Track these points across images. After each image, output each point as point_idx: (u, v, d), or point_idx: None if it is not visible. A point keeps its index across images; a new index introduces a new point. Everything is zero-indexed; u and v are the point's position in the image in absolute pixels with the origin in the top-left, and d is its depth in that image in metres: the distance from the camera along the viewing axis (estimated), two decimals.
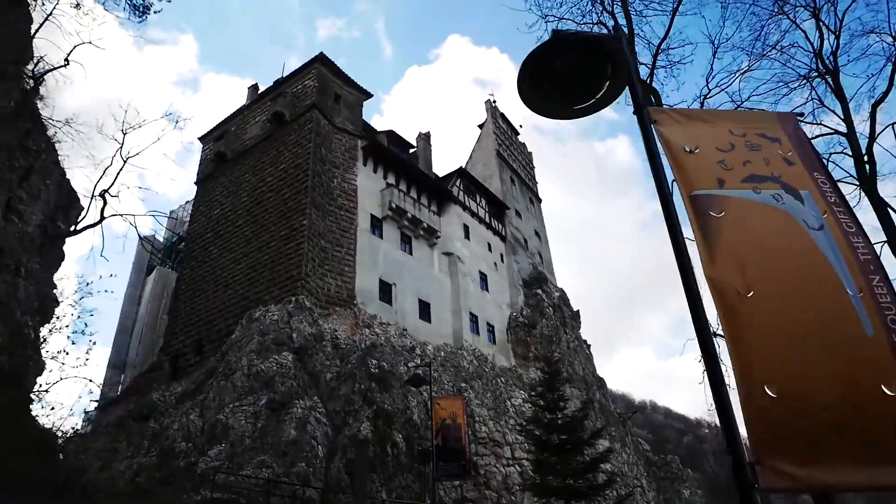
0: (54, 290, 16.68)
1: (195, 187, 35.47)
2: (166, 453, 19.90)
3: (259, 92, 36.13)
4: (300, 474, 17.47)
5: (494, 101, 49.65)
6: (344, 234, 28.40)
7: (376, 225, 30.37)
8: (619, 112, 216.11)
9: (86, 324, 29.63)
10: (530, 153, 53.14)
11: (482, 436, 25.41)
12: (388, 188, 31.70)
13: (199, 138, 37.30)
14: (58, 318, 28.84)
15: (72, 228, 14.10)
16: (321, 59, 32.90)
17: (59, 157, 13.95)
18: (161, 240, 36.37)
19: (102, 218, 14.87)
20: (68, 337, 30.20)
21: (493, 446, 26.33)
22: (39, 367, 11.86)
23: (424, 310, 30.20)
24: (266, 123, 32.74)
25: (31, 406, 10.62)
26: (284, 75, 34.15)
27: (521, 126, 51.81)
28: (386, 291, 28.79)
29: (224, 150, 34.15)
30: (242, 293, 27.01)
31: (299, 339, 22.59)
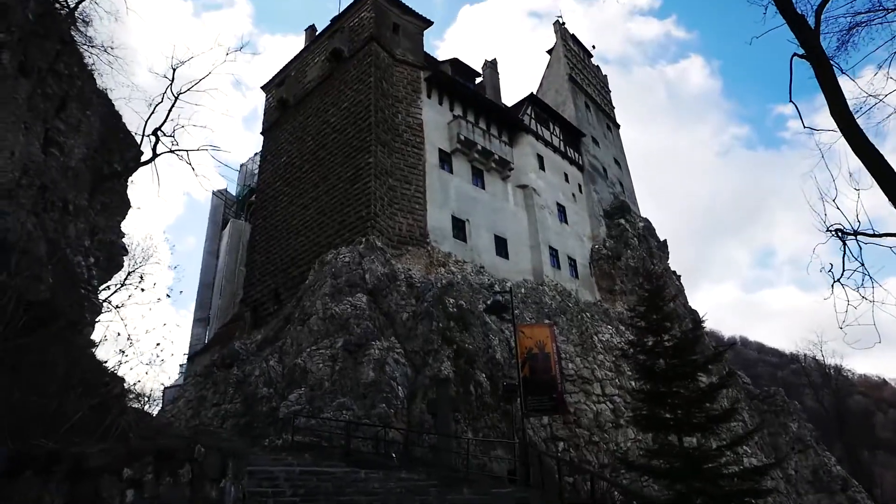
0: (122, 239, 16.20)
1: (262, 138, 34.99)
2: (249, 399, 19.78)
3: (317, 33, 34.76)
4: (381, 416, 16.76)
5: (563, 23, 46.19)
6: (412, 170, 27.06)
7: (445, 159, 28.82)
8: (690, 28, 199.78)
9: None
10: (605, 76, 49.52)
11: (570, 373, 24.03)
12: (455, 120, 29.93)
13: (262, 87, 36.62)
14: (130, 272, 29.45)
15: (124, 168, 13.34)
16: None
17: (104, 88, 13.10)
18: (233, 193, 36.46)
19: (155, 155, 14.04)
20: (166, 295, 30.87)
21: (582, 383, 24.95)
22: (96, 310, 11.20)
23: (501, 246, 28.70)
24: (325, 63, 31.46)
25: (92, 349, 9.63)
26: (340, 11, 32.53)
27: (594, 47, 48.12)
28: (459, 228, 27.43)
29: (286, 97, 33.31)
30: (314, 238, 26.41)
31: (372, 279, 21.72)
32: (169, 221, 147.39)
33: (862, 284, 11.45)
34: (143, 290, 15.37)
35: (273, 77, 35.98)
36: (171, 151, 13.93)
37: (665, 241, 39.76)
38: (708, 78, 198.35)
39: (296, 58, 34.58)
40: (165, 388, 28.29)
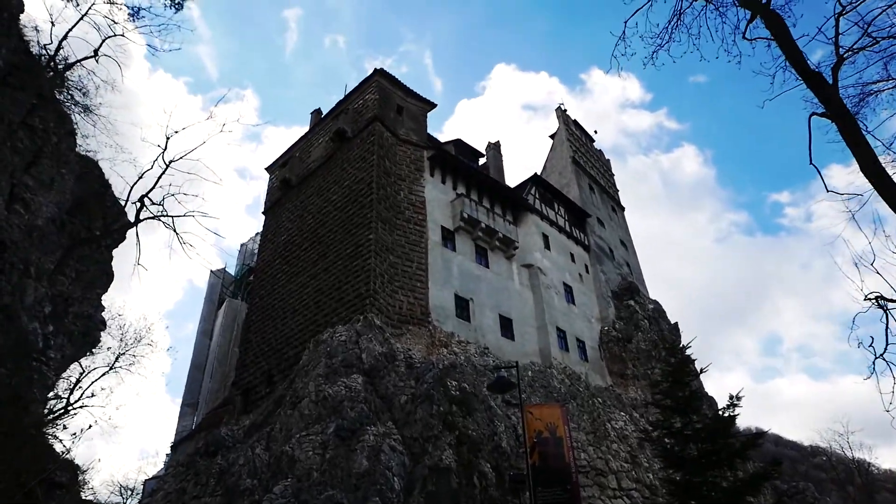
0: (100, 313, 15.20)
1: (263, 218, 34.66)
2: (231, 492, 18.01)
3: (322, 116, 35.24)
4: None
5: (565, 109, 47.06)
6: (414, 248, 26.33)
7: (448, 237, 28.16)
8: (681, 120, 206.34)
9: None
10: (608, 160, 49.89)
11: (582, 463, 22.11)
12: (458, 198, 29.54)
13: (266, 168, 36.76)
14: (119, 354, 28.04)
15: (102, 233, 12.55)
16: (381, 73, 31.59)
17: (87, 151, 12.51)
18: (232, 273, 35.69)
19: (138, 220, 13.26)
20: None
21: (596, 475, 22.93)
22: (48, 384, 10.01)
23: (506, 326, 27.47)
24: (328, 143, 31.58)
25: (43, 428, 8.36)
26: (346, 94, 33.05)
27: (595, 132, 48.81)
28: (462, 307, 26.33)
29: (289, 177, 33.26)
30: (310, 317, 25.31)
31: (369, 359, 20.42)
32: (168, 307, 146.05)
33: None
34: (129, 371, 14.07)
35: (277, 158, 36.17)
36: (156, 217, 13.14)
37: (676, 323, 38.32)
38: (702, 166, 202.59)
39: (300, 139, 34.87)
40: (146, 480, 26.36)
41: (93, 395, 28.93)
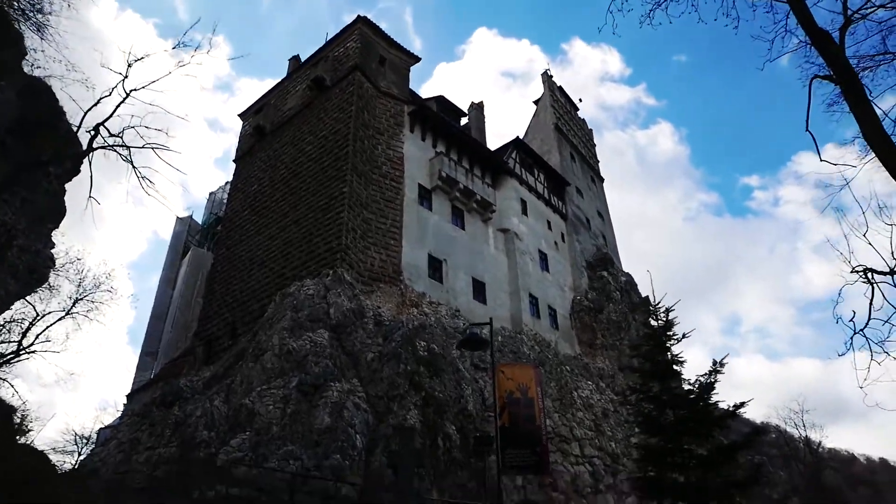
0: (50, 249, 14.17)
1: (234, 165, 33.35)
2: (187, 443, 17.38)
3: (300, 64, 33.75)
4: (334, 467, 14.57)
5: (551, 75, 46.07)
6: (389, 204, 25.52)
7: (425, 196, 27.38)
8: (659, 97, 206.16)
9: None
10: (590, 130, 49.29)
11: (546, 430, 21.99)
12: (437, 156, 28.69)
13: (239, 115, 35.27)
14: (77, 299, 26.91)
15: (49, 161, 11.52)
16: (364, 21, 30.22)
17: (35, 67, 11.39)
18: (199, 222, 34.47)
19: (91, 149, 12.24)
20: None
21: (560, 442, 22.89)
22: None
23: (479, 290, 27.02)
24: (306, 91, 30.27)
25: None
26: (326, 41, 31.63)
27: (580, 100, 48.01)
28: (436, 268, 25.76)
29: (263, 124, 31.93)
30: (278, 270, 24.48)
31: (337, 314, 19.78)
32: (132, 258, 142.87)
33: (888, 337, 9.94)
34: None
35: (251, 105, 34.70)
36: (110, 147, 12.12)
37: (647, 297, 38.38)
38: (677, 144, 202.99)
39: (276, 86, 33.43)
40: (100, 429, 25.62)
41: (48, 341, 27.93)
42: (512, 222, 30.71)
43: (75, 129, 12.09)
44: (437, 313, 24.00)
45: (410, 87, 31.13)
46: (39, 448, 18.30)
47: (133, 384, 27.55)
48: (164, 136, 13.65)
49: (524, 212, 32.20)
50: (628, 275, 38.74)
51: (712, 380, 11.76)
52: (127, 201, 13.02)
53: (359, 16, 30.03)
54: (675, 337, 12.86)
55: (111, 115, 12.79)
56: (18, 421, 26.31)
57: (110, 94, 13.08)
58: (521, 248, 30.32)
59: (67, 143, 13.31)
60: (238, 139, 34.37)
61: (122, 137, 13.29)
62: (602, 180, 46.57)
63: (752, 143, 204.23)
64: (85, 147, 12.35)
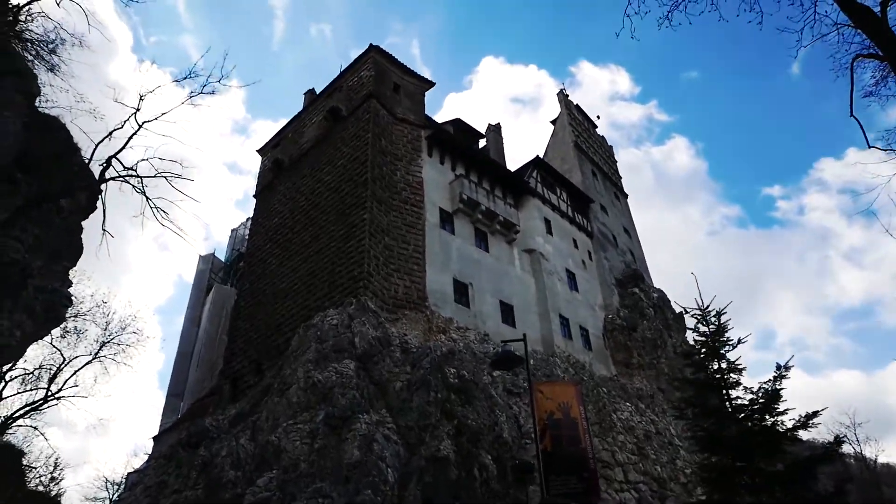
0: (67, 288, 13.84)
1: (254, 202, 33.31)
2: (213, 484, 16.76)
3: (315, 96, 33.85)
4: None
5: (567, 94, 45.74)
6: (410, 229, 25.03)
7: (446, 220, 26.87)
8: (671, 112, 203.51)
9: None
10: (611, 147, 48.61)
11: (594, 452, 20.90)
12: (457, 179, 28.24)
13: (258, 150, 35.39)
14: (104, 343, 26.73)
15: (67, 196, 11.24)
16: (376, 49, 30.23)
17: (47, 104, 11.19)
18: (223, 259, 34.38)
19: (102, 180, 11.94)
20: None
21: (603, 468, 21.72)
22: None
23: (507, 312, 26.21)
24: (322, 122, 30.24)
25: None
26: (341, 71, 31.68)
27: (598, 117, 47.51)
28: (462, 292, 25.06)
29: (281, 158, 31.93)
30: (301, 302, 24.03)
31: (362, 343, 19.14)
32: (159, 302, 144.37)
33: None
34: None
35: (269, 140, 34.82)
36: (122, 178, 11.80)
37: (681, 312, 37.04)
38: (693, 159, 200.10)
39: (293, 120, 33.52)
40: (128, 474, 25.15)
41: (75, 386, 27.73)
42: (537, 242, 29.99)
43: (87, 161, 11.84)
44: (465, 338, 23.25)
45: (426, 112, 30.91)
46: (70, 495, 17.86)
47: (160, 426, 27.12)
48: (179, 167, 13.31)
49: (549, 231, 31.48)
50: (660, 291, 37.55)
51: (778, 386, 10.73)
52: (142, 233, 12.65)
53: (371, 45, 30.06)
54: (729, 342, 11.90)
55: (123, 147, 12.56)
56: (52, 468, 26.03)
57: (122, 127, 12.88)
58: (548, 268, 29.52)
59: (80, 177, 13.06)
60: (258, 175, 34.40)
61: (135, 170, 13.01)
62: (626, 196, 45.70)
63: (771, 153, 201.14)
64: (97, 178, 12.08)
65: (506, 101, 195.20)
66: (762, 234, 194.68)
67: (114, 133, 12.89)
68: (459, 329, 23.60)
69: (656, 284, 39.47)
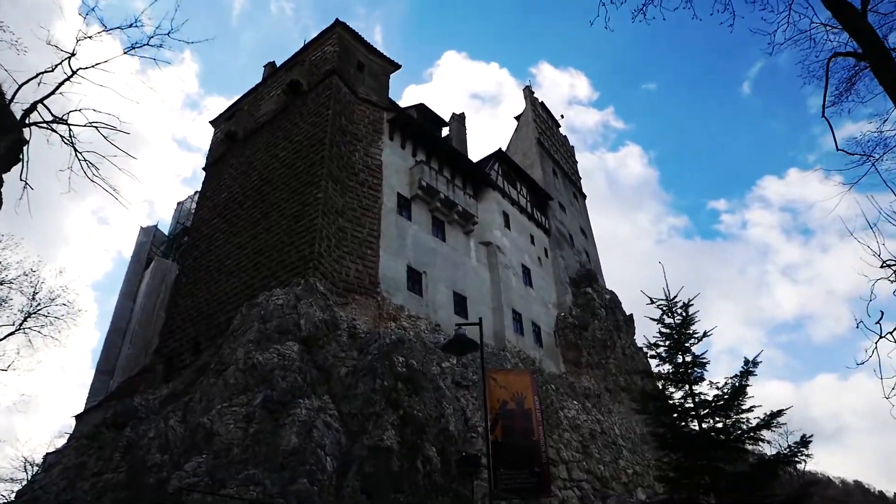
0: None
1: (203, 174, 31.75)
2: (137, 467, 15.61)
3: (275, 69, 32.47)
4: (301, 493, 12.95)
5: (533, 91, 45.51)
6: (366, 212, 24.17)
7: (404, 205, 26.10)
8: (627, 120, 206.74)
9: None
10: (572, 147, 48.68)
11: (547, 446, 20.56)
12: (417, 165, 27.49)
13: (211, 122, 33.80)
14: (29, 313, 25.00)
15: None
16: (342, 25, 29.17)
17: None
18: (165, 233, 32.70)
19: (23, 124, 10.72)
20: None
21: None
22: None
23: (460, 304, 25.66)
24: (281, 96, 28.98)
25: None
26: (304, 45, 30.46)
27: (562, 116, 47.49)
28: (415, 280, 24.38)
29: (235, 130, 30.46)
30: (247, 281, 22.88)
31: (308, 326, 18.24)
32: (96, 277, 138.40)
33: None
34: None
35: (223, 112, 33.28)
36: (47, 125, 10.61)
37: (631, 315, 37.45)
38: (646, 167, 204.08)
39: (250, 92, 32.09)
40: (47, 454, 23.48)
41: None
42: (495, 235, 29.54)
43: (7, 101, 10.60)
44: (416, 327, 22.61)
45: (389, 96, 30.02)
46: None
47: (86, 405, 25.47)
48: (116, 121, 12.14)
49: (507, 225, 31.10)
50: (612, 293, 37.71)
51: (744, 382, 10.41)
52: (69, 191, 11.52)
53: (337, 20, 28.98)
54: (695, 335, 11.56)
55: (53, 93, 11.35)
56: None
57: (53, 71, 11.64)
58: (504, 262, 29.12)
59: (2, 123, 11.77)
60: (209, 147, 32.84)
61: (65, 120, 11.80)
62: (584, 197, 45.83)
63: (718, 167, 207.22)
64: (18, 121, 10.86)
65: (466, 97, 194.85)
66: (706, 246, 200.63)
67: (43, 77, 11.64)
68: (411, 317, 22.94)
69: (608, 286, 39.65)
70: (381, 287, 22.72)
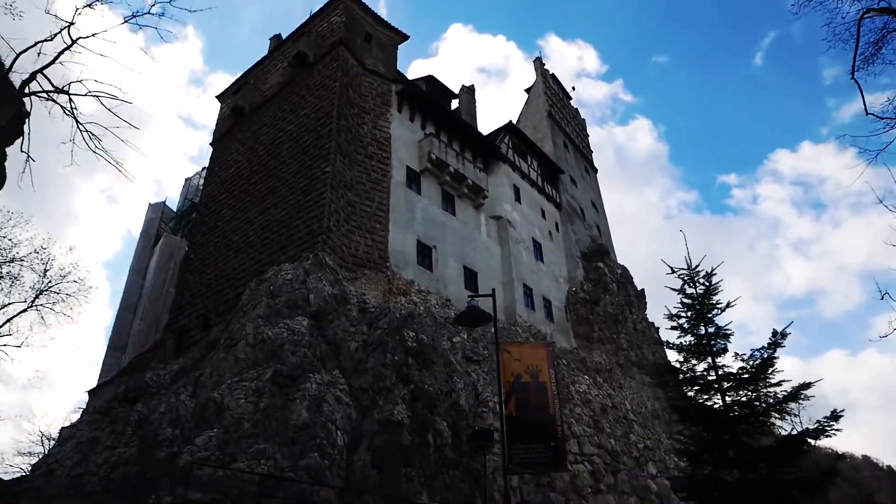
0: None
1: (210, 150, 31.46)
2: (148, 441, 15.65)
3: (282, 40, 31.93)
4: (311, 468, 12.88)
5: (543, 63, 44.63)
6: (375, 186, 23.85)
7: (413, 179, 25.74)
8: (636, 93, 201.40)
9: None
10: (584, 120, 47.88)
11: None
12: (427, 138, 27.04)
13: (217, 97, 33.40)
14: (40, 291, 25.05)
15: None
16: None
17: None
18: (173, 209, 32.57)
19: (23, 94, 10.45)
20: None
21: None
22: None
23: (471, 278, 25.40)
24: (287, 69, 28.51)
25: None
26: (310, 15, 29.87)
27: (573, 88, 46.62)
28: (425, 255, 24.13)
29: (241, 104, 30.06)
30: (255, 256, 22.73)
31: (318, 300, 18.09)
32: (106, 257, 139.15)
33: None
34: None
35: (229, 86, 32.86)
36: (46, 94, 10.33)
37: (643, 290, 37.10)
38: (656, 141, 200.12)
39: (256, 65, 31.60)
40: (62, 428, 23.66)
41: (9, 335, 25.97)
42: (505, 209, 29.16)
43: (5, 70, 10.32)
44: (426, 302, 22.42)
45: (398, 68, 29.45)
46: (3, 449, 16.49)
47: (99, 380, 25.64)
48: (119, 91, 11.82)
49: (517, 199, 30.68)
50: (623, 267, 37.33)
51: (772, 354, 10.05)
52: (71, 164, 11.27)
53: None
54: (718, 305, 11.18)
55: (52, 62, 11.04)
56: None
57: (52, 40, 11.32)
58: (515, 236, 28.78)
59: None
60: (216, 122, 32.49)
61: (67, 90, 11.52)
62: (596, 171, 45.20)
63: (729, 141, 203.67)
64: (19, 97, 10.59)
65: (472, 71, 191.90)
66: (716, 220, 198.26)
67: (42, 47, 11.33)
68: (421, 292, 22.73)
69: (620, 261, 39.25)
70: (390, 262, 22.49)
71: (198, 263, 25.70)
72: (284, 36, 31.80)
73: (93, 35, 12.18)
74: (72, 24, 12.05)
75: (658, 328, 37.13)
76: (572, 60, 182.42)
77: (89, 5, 12.55)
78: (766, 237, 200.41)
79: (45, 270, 25.98)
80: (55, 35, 11.71)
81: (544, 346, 12.92)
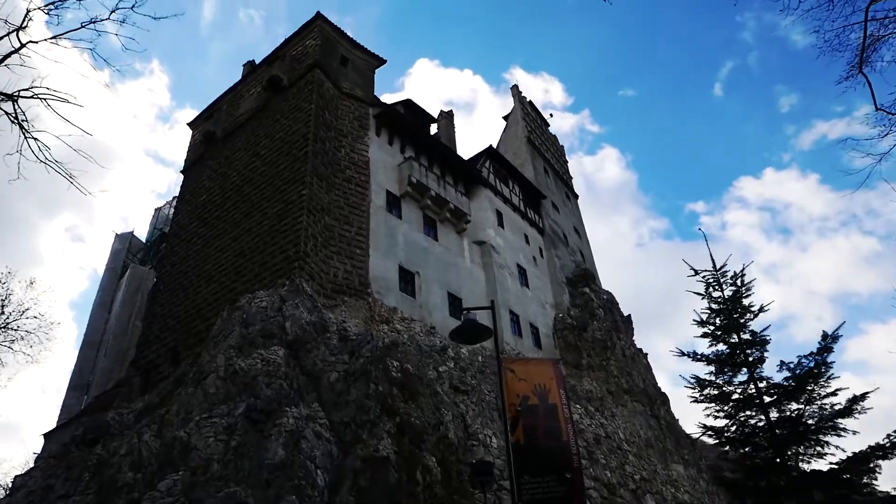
0: None
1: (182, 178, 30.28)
2: (107, 488, 14.11)
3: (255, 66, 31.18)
4: None
5: (520, 91, 44.56)
6: (354, 210, 22.88)
7: (393, 203, 24.84)
8: (602, 123, 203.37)
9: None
10: (562, 146, 47.73)
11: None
12: (406, 161, 26.26)
13: (189, 123, 32.38)
14: None
15: None
16: (322, 19, 27.97)
17: None
18: (142, 240, 31.10)
19: None
20: None
21: None
22: None
23: (455, 305, 24.37)
24: (261, 93, 27.68)
25: None
26: (284, 40, 29.21)
27: (551, 115, 46.57)
28: (408, 281, 23.08)
29: (213, 130, 29.06)
30: (228, 285, 21.46)
31: (294, 329, 16.87)
32: (72, 296, 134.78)
33: None
34: None
35: (202, 112, 31.87)
36: None
37: (629, 315, 36.38)
38: (624, 171, 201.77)
39: (229, 91, 30.74)
40: (15, 476, 21.75)
41: None
42: (488, 234, 28.35)
43: None
44: (410, 330, 21.29)
45: (374, 93, 28.81)
46: None
47: (58, 422, 23.79)
48: (73, 98, 10.74)
49: (500, 224, 29.91)
50: (609, 293, 36.61)
51: (823, 359, 8.98)
52: (17, 178, 10.04)
53: (318, 13, 27.80)
54: (751, 309, 10.17)
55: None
56: None
57: None
58: (499, 261, 27.91)
59: None
60: (187, 149, 31.38)
61: (15, 97, 10.41)
62: (577, 196, 44.82)
63: (696, 169, 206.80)
64: None
65: (440, 104, 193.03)
66: (688, 247, 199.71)
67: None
68: (404, 320, 21.62)
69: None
70: (371, 288, 21.40)
71: (167, 295, 24.28)
72: (258, 62, 31.06)
73: (45, 41, 11.15)
74: (22, 27, 11.00)
75: (647, 353, 36.35)
76: (538, 93, 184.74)
77: (42, 9, 11.55)
78: (737, 263, 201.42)
79: (3, 306, 24.31)
80: (3, 37, 10.65)
81: (553, 362, 11.78)
